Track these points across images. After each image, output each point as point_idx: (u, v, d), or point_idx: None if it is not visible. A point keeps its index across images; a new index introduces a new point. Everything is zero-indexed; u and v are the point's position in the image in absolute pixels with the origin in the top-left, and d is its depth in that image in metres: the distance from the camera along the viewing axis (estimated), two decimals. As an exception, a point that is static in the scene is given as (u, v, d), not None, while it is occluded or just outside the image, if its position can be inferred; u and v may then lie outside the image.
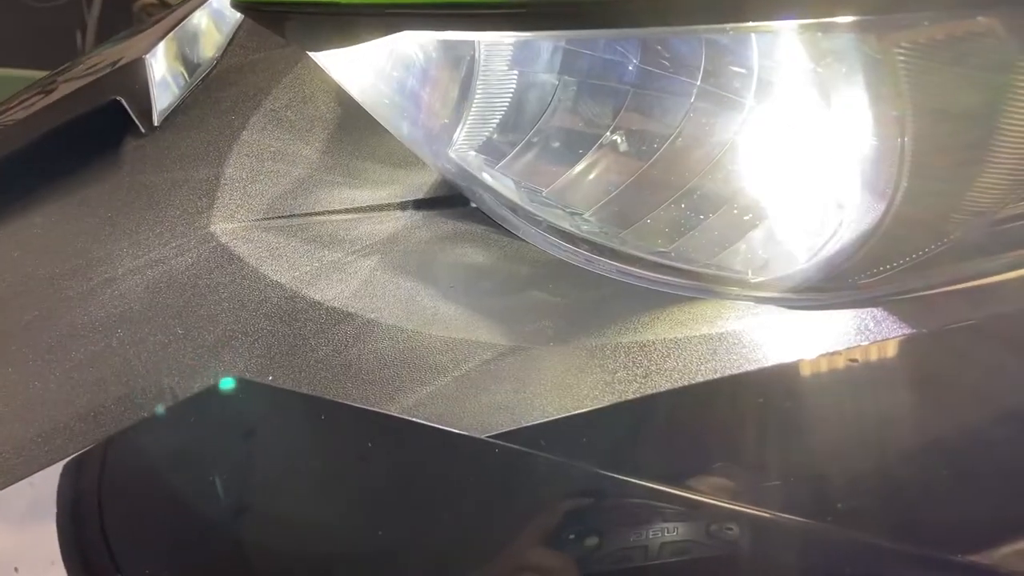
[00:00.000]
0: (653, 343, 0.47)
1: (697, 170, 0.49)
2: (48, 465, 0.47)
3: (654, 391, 0.45)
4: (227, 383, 0.47)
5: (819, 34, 0.42)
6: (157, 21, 0.72)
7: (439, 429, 0.44)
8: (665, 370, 0.46)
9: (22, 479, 0.47)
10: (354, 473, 0.45)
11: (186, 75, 0.65)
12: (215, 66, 0.64)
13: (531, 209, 0.53)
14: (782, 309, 0.48)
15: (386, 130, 0.55)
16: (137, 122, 0.59)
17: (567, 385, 0.46)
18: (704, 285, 0.50)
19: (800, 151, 0.47)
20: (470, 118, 0.53)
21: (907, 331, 0.45)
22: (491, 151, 0.53)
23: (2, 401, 0.49)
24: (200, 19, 0.69)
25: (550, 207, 0.53)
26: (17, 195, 0.60)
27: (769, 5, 0.39)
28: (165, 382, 0.47)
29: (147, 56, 0.59)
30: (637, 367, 0.46)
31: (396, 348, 0.47)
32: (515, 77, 0.52)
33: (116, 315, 0.50)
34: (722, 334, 0.47)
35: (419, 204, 0.56)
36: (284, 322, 0.49)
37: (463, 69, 0.52)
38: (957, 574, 0.44)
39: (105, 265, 0.52)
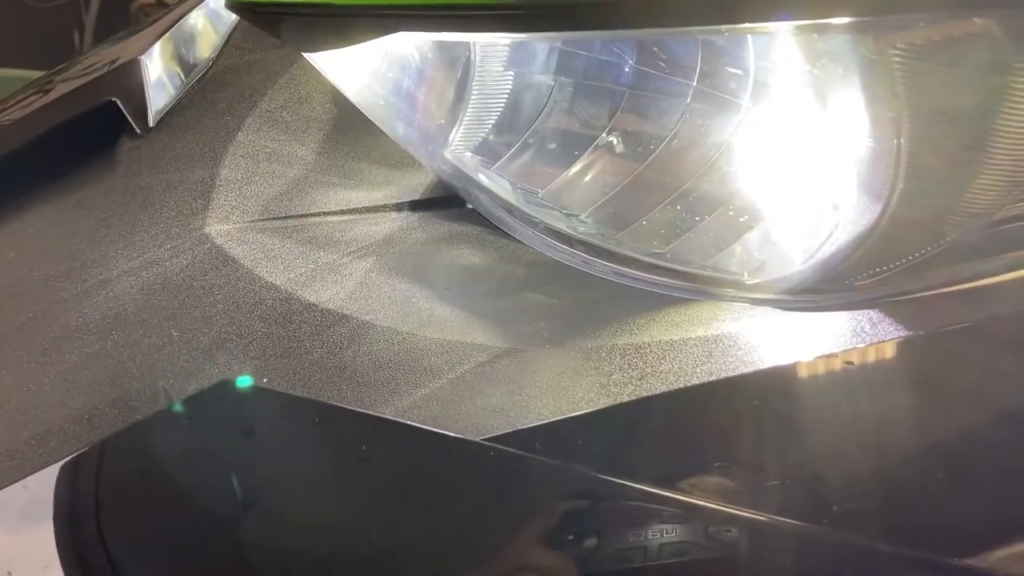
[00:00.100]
0: (649, 345, 0.47)
1: (693, 172, 0.48)
2: (42, 468, 0.47)
3: (649, 393, 0.45)
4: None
5: (815, 35, 0.42)
6: (154, 21, 0.72)
7: (434, 432, 0.43)
8: (661, 372, 0.45)
9: (16, 482, 0.47)
10: (349, 476, 0.45)
11: (182, 75, 0.64)
12: (211, 67, 0.64)
13: (527, 210, 0.53)
14: (778, 311, 0.48)
15: (382, 131, 0.55)
16: (133, 123, 0.59)
17: (562, 388, 0.45)
18: (700, 287, 0.50)
19: (796, 152, 0.47)
20: (466, 119, 0.53)
21: (904, 333, 0.45)
22: (487, 152, 0.53)
23: (-4, 403, 0.49)
24: (197, 19, 0.69)
25: (546, 208, 0.53)
26: (12, 196, 0.60)
27: (765, 6, 0.39)
28: (160, 384, 0.47)
29: (142, 57, 0.59)
30: (633, 369, 0.46)
31: (391, 350, 0.47)
32: (511, 78, 0.52)
33: (111, 317, 0.50)
34: (718, 336, 0.47)
35: (415, 205, 0.56)
36: (279, 324, 0.48)
37: (459, 70, 0.52)
38: (954, 577, 0.44)
39: (100, 267, 0.52)
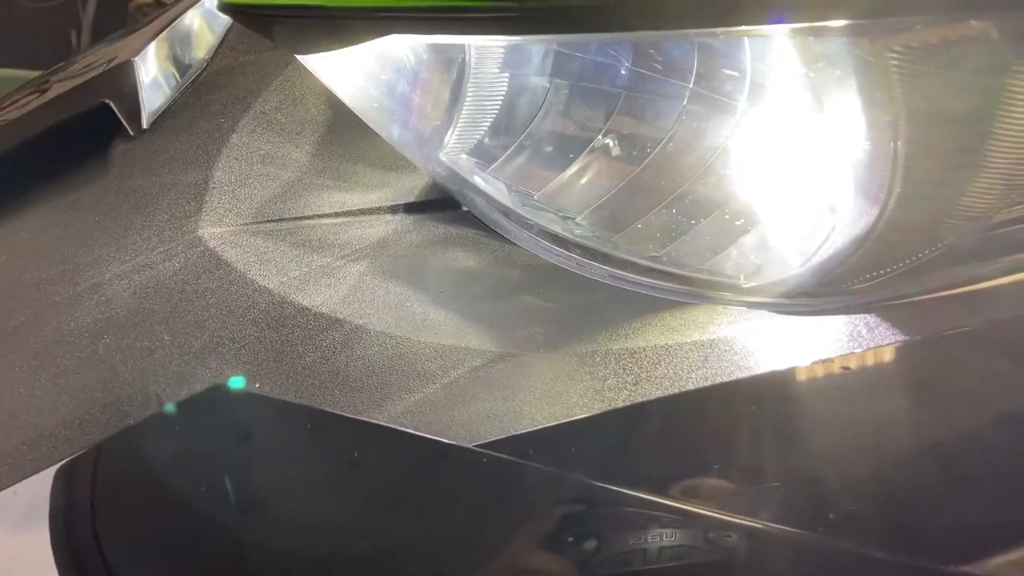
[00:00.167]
0: (644, 350, 0.46)
1: (689, 174, 0.48)
2: (33, 473, 0.46)
3: (645, 399, 0.44)
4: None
5: (811, 38, 0.42)
6: (151, 21, 0.71)
7: (427, 438, 0.43)
8: (656, 377, 0.45)
9: (6, 488, 0.46)
10: (341, 482, 0.45)
11: (177, 76, 0.64)
12: (205, 68, 0.64)
13: (523, 213, 0.53)
14: (774, 315, 0.48)
15: (376, 133, 0.55)
16: (126, 125, 0.58)
17: (557, 393, 0.45)
18: (696, 290, 0.49)
19: (793, 155, 0.46)
20: (461, 121, 0.53)
21: (900, 338, 0.45)
22: (482, 154, 0.53)
23: (-12, 407, 0.49)
24: (192, 20, 0.69)
25: (542, 211, 0.53)
26: (5, 198, 0.59)
27: (760, 9, 0.39)
28: (152, 389, 0.47)
29: (136, 59, 0.59)
30: (628, 374, 0.45)
31: (384, 355, 0.47)
32: (506, 80, 0.52)
33: (103, 321, 0.50)
34: (714, 340, 0.46)
35: (410, 208, 0.56)
36: (272, 328, 0.48)
37: (454, 72, 0.51)
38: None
39: (92, 270, 0.52)
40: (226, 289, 0.50)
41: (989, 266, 0.46)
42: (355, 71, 0.51)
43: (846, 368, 0.44)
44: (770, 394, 0.45)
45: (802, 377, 0.45)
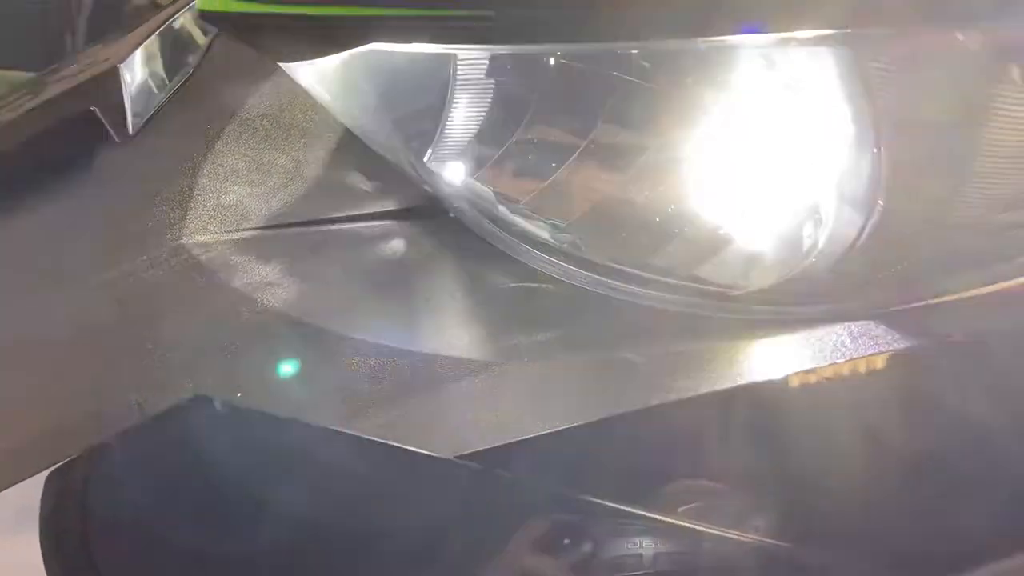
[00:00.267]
0: (628, 359, 0.46)
1: (673, 183, 0.48)
2: (10, 485, 0.46)
3: (627, 409, 0.44)
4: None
5: (795, 47, 0.41)
6: (144, 22, 0.71)
7: (407, 449, 0.43)
8: (639, 387, 0.45)
9: (-10, 495, 0.46)
10: (321, 493, 0.44)
11: (166, 80, 0.64)
12: (192, 73, 0.64)
13: (509, 220, 0.53)
14: (759, 324, 0.47)
15: (363, 140, 0.55)
16: (112, 132, 0.58)
17: (539, 403, 0.45)
18: (681, 299, 0.49)
19: (777, 165, 0.46)
20: (447, 127, 0.52)
21: (885, 348, 0.45)
22: (469, 160, 0.53)
23: (-32, 418, 0.49)
24: (185, 22, 0.69)
25: (528, 218, 0.52)
26: (-11, 206, 0.59)
27: (742, 18, 0.39)
28: (134, 398, 0.46)
29: (121, 65, 0.58)
30: (610, 384, 0.45)
31: (367, 365, 0.47)
32: (492, 87, 0.51)
33: (86, 329, 0.50)
34: (698, 350, 0.46)
35: (396, 215, 0.56)
36: (255, 337, 0.48)
37: (439, 78, 0.51)
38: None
39: (75, 278, 0.52)
40: (209, 298, 0.49)
41: (975, 275, 0.46)
42: (339, 79, 0.51)
43: (829, 379, 0.44)
44: (753, 405, 0.45)
45: (785, 388, 0.44)
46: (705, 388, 0.45)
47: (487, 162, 0.52)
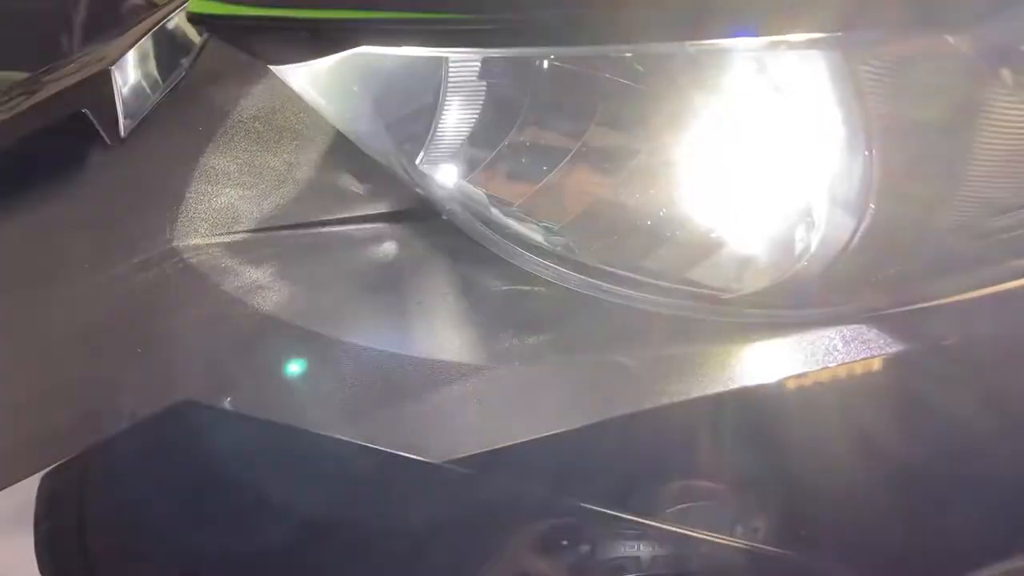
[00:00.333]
0: (620, 363, 0.46)
1: (665, 186, 0.48)
2: (4, 488, 0.46)
3: (619, 412, 0.44)
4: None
5: (786, 50, 0.41)
6: (140, 22, 0.71)
7: (396, 454, 0.43)
8: (631, 391, 0.45)
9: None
10: (309, 497, 0.44)
11: (160, 81, 0.64)
12: (185, 75, 0.64)
13: (502, 222, 0.53)
14: (752, 328, 0.47)
15: (355, 143, 0.54)
16: (103, 134, 0.58)
17: (531, 407, 0.45)
18: (673, 302, 0.49)
19: (769, 168, 0.46)
20: (439, 130, 0.52)
21: (877, 352, 0.44)
22: (461, 163, 0.53)
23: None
24: (179, 23, 0.68)
25: (521, 220, 0.52)
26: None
27: (732, 22, 0.38)
28: (123, 402, 0.46)
29: (113, 68, 0.58)
30: (603, 387, 0.45)
31: (359, 369, 0.47)
32: (484, 89, 0.51)
33: (75, 333, 0.49)
34: (690, 354, 0.46)
35: (389, 217, 0.56)
36: (246, 341, 0.48)
37: (431, 81, 0.51)
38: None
39: (66, 281, 0.51)
40: (200, 301, 0.49)
41: (967, 279, 0.46)
42: (331, 82, 0.51)
43: (821, 383, 0.44)
44: (745, 409, 0.44)
45: (777, 392, 0.44)
46: (697, 391, 0.44)
47: (479, 165, 0.52)
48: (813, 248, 0.45)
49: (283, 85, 0.59)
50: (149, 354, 0.48)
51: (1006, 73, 0.38)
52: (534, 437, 0.44)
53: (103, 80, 0.58)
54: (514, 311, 0.51)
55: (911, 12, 0.37)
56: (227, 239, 0.52)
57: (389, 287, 0.52)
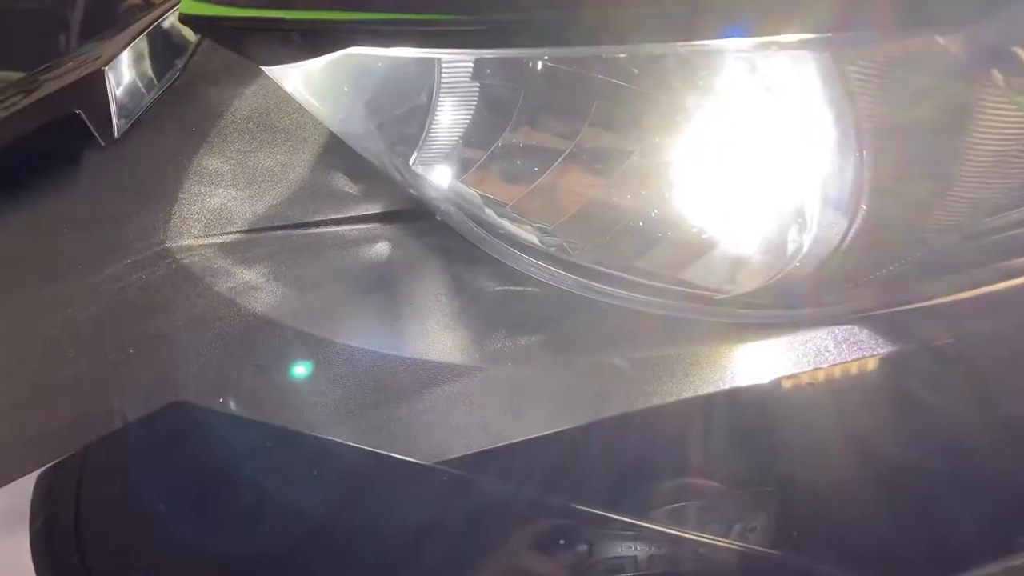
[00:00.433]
0: (612, 363, 0.46)
1: (658, 186, 0.48)
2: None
3: (610, 414, 0.44)
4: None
5: (777, 51, 0.41)
6: (136, 22, 0.71)
7: (386, 455, 0.43)
8: (622, 392, 0.45)
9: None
10: (301, 499, 0.44)
11: (155, 80, 0.64)
12: (179, 75, 0.64)
13: (495, 223, 0.53)
14: (744, 328, 0.47)
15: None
16: (97, 135, 0.58)
17: (523, 408, 0.45)
18: (666, 302, 0.49)
19: (761, 168, 0.46)
20: (432, 130, 0.52)
21: (868, 352, 0.44)
22: (455, 163, 0.53)
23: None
24: (174, 22, 0.68)
25: (514, 221, 0.52)
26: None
27: (723, 23, 0.38)
28: (116, 403, 0.46)
29: (106, 68, 0.58)
30: (594, 388, 0.45)
31: (351, 368, 0.47)
32: (477, 90, 0.51)
33: (68, 334, 0.49)
34: (682, 354, 0.46)
35: (382, 218, 0.56)
36: (238, 342, 0.48)
37: (424, 81, 0.51)
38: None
39: (58, 282, 0.52)
40: (192, 302, 0.49)
41: (960, 279, 0.46)
42: (324, 83, 0.51)
43: (812, 384, 0.44)
44: (737, 409, 0.44)
45: (769, 392, 0.44)
46: (690, 392, 0.44)
47: (473, 165, 0.52)
48: (805, 248, 0.45)
49: (277, 86, 0.59)
50: (142, 354, 0.48)
51: (996, 74, 0.38)
52: (527, 438, 0.44)
53: (96, 81, 0.58)
54: (507, 311, 0.51)
55: (901, 13, 0.37)
56: (220, 240, 0.52)
57: (382, 288, 0.52)
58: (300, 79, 0.51)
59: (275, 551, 0.46)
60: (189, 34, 0.66)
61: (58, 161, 0.58)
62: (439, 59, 0.49)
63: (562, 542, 0.43)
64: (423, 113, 0.52)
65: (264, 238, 0.53)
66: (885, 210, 0.42)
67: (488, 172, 0.52)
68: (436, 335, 0.49)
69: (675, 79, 0.46)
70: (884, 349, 0.45)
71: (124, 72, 0.60)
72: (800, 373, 0.44)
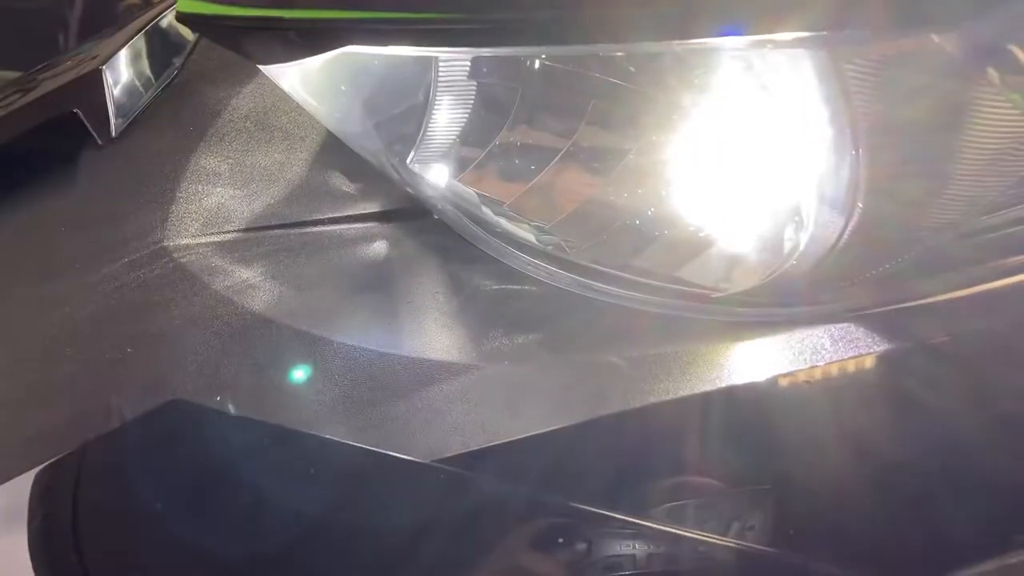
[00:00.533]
0: (609, 362, 0.46)
1: (655, 185, 0.48)
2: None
3: (607, 412, 0.44)
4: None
5: (773, 50, 0.41)
6: (134, 20, 0.71)
7: (383, 453, 0.43)
8: (619, 390, 0.45)
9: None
10: (303, 497, 0.44)
11: (152, 79, 0.64)
12: (177, 74, 0.64)
13: (492, 221, 0.53)
14: (740, 326, 0.47)
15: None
16: (94, 134, 0.58)
17: (521, 406, 0.45)
18: (663, 300, 0.49)
19: (757, 167, 0.46)
20: (429, 129, 0.52)
21: (864, 350, 0.45)
22: (452, 162, 0.53)
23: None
24: (172, 21, 0.68)
25: (511, 219, 0.52)
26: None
27: (719, 21, 0.38)
28: (114, 402, 0.46)
29: (104, 67, 0.58)
30: (591, 386, 0.45)
31: (348, 367, 0.47)
32: (474, 88, 0.51)
33: (66, 333, 0.49)
34: (679, 352, 0.46)
35: (380, 217, 0.56)
36: (235, 340, 0.48)
37: (421, 80, 0.51)
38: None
39: (56, 281, 0.52)
40: (190, 300, 0.49)
41: (956, 277, 0.46)
42: (321, 82, 0.51)
43: (810, 381, 0.44)
44: (733, 407, 0.44)
45: (766, 390, 0.44)
46: (686, 390, 0.44)
47: (470, 164, 0.52)
48: (801, 247, 0.45)
49: (274, 85, 0.59)
50: (140, 353, 0.48)
51: (992, 72, 0.38)
52: (525, 436, 0.44)
53: (94, 80, 0.58)
54: (504, 310, 0.51)
55: (897, 11, 0.37)
56: (218, 238, 0.53)
57: (380, 286, 0.52)
58: (297, 78, 0.51)
59: (272, 549, 0.46)
60: (187, 33, 0.66)
61: (56, 160, 0.58)
62: (436, 58, 0.49)
63: (560, 540, 0.43)
64: (420, 112, 0.52)
65: (261, 237, 0.53)
66: (881, 208, 0.43)
67: (485, 171, 0.52)
68: (433, 333, 0.49)
69: (672, 78, 0.46)
70: (880, 347, 0.45)
71: (122, 71, 0.60)
72: (797, 371, 0.44)
